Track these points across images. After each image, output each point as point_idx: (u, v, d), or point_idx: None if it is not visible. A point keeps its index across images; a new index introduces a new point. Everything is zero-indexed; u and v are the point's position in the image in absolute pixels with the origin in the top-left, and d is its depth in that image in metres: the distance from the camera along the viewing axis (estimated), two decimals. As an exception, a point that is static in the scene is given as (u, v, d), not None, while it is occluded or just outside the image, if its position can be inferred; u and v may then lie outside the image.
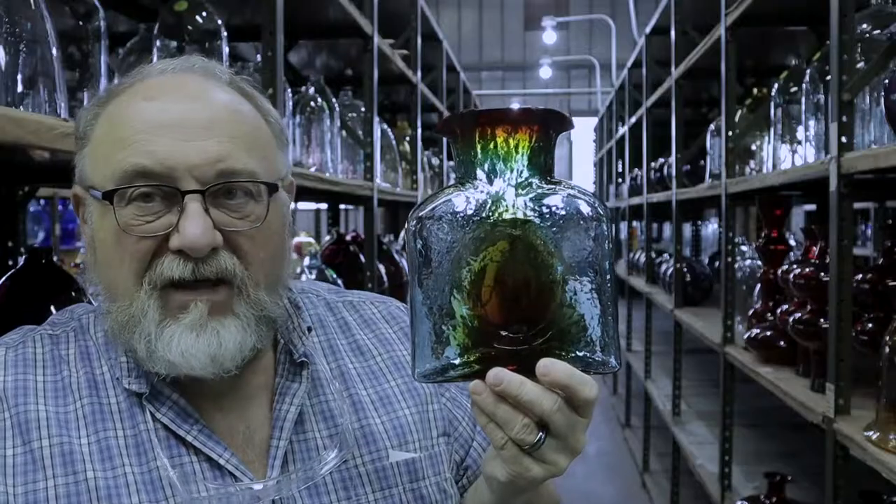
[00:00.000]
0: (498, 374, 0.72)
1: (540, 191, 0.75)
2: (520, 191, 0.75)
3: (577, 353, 0.74)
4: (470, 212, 0.74)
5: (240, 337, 0.85)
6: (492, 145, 0.75)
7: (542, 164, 0.76)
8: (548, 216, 0.74)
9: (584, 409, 0.75)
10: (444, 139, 5.28)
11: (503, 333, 0.73)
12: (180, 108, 0.85)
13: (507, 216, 0.73)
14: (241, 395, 0.92)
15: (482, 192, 0.75)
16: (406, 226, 0.76)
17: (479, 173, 0.76)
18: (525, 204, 0.74)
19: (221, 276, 0.84)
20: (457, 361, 0.74)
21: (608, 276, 0.75)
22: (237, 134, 0.86)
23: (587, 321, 0.74)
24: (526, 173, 0.76)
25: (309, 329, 0.97)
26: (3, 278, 1.55)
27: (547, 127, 0.76)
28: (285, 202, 0.92)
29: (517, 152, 0.75)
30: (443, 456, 1.00)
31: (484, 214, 0.74)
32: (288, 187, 0.94)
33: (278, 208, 0.89)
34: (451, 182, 0.80)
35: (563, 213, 0.74)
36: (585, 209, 0.75)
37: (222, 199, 0.84)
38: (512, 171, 0.75)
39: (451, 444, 1.02)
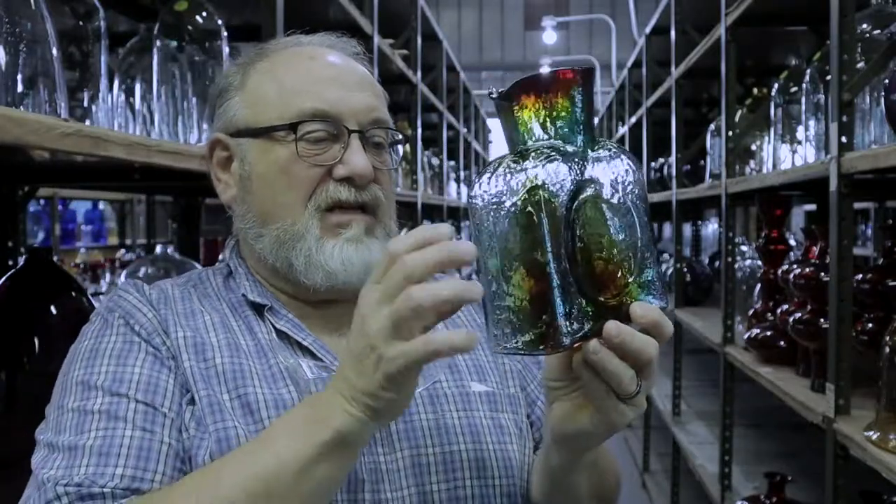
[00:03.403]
0: (616, 326, 0.74)
1: (597, 152, 0.78)
2: (578, 156, 0.76)
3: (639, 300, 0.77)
4: (538, 182, 0.74)
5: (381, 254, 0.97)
6: (549, 111, 0.77)
7: (588, 124, 0.79)
8: (608, 174, 0.77)
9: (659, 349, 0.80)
10: (443, 138, 5.27)
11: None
12: (339, 68, 1.05)
13: (572, 181, 0.74)
14: (341, 321, 1.03)
15: (540, 162, 0.75)
16: (473, 202, 0.78)
17: (534, 140, 0.78)
18: (586, 167, 0.76)
19: (375, 203, 1.02)
20: (531, 336, 0.74)
21: (648, 222, 0.79)
22: (377, 94, 1.07)
23: (646, 272, 0.77)
24: (581, 137, 0.78)
25: None
26: (3, 278, 1.55)
27: (589, 85, 0.78)
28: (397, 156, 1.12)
29: (567, 114, 0.77)
30: (520, 401, 1.09)
31: (550, 183, 0.74)
32: None
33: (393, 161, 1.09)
34: (500, 156, 0.81)
35: (616, 170, 0.77)
36: (626, 167, 0.79)
37: (369, 143, 1.03)
38: (571, 135, 0.77)
39: (524, 397, 1.11)
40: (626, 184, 0.78)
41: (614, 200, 0.76)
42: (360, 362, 0.75)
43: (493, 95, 0.80)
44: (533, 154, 0.76)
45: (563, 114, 0.77)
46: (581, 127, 0.78)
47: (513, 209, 0.74)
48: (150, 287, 1.05)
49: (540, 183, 0.73)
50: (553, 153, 0.75)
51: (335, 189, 0.99)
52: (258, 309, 1.03)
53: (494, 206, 0.75)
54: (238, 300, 1.04)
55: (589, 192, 0.75)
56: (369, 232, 1.01)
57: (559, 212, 0.73)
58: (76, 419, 0.90)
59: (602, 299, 0.75)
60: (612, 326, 0.74)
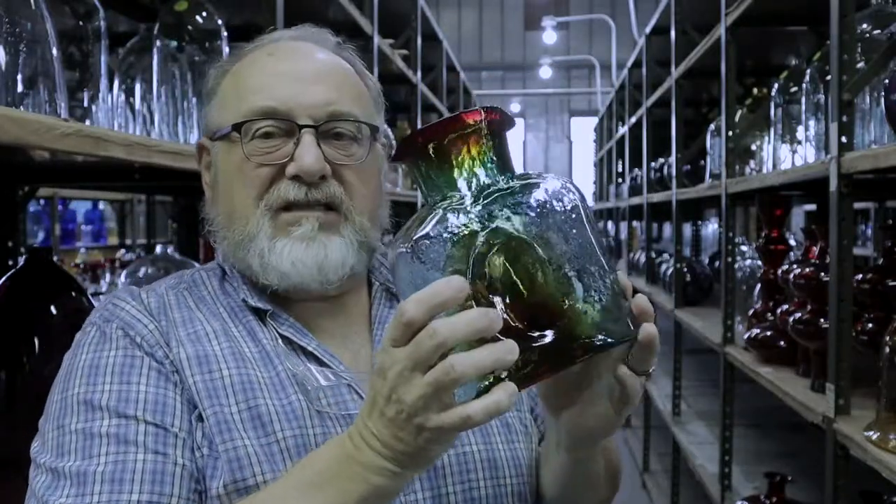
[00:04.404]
0: (649, 330, 0.76)
1: (503, 192, 0.74)
2: (481, 198, 0.74)
3: (599, 336, 0.72)
4: (447, 231, 0.72)
5: (343, 253, 0.98)
6: (445, 160, 0.76)
7: (502, 161, 0.77)
8: (521, 213, 0.73)
9: None
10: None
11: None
12: (297, 62, 1.01)
13: (476, 226, 0.72)
14: (342, 323, 1.03)
15: (451, 207, 0.74)
16: (396, 251, 0.75)
17: (445, 188, 0.76)
18: (493, 210, 0.73)
19: (330, 201, 0.97)
20: (485, 383, 0.71)
21: (594, 247, 0.74)
22: (343, 86, 1.02)
23: (593, 302, 0.72)
24: (484, 178, 0.76)
25: None
26: (3, 278, 1.55)
27: (490, 126, 0.76)
28: (382, 155, 1.07)
29: (479, 156, 0.76)
30: (523, 398, 1.08)
31: (457, 230, 0.72)
32: (386, 149, 1.09)
33: (376, 155, 1.04)
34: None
35: (531, 205, 0.73)
36: (549, 194, 0.74)
37: (332, 139, 0.99)
38: (472, 179, 0.75)
39: (527, 392, 1.08)
40: (556, 212, 0.73)
41: (534, 232, 0.72)
42: (400, 428, 0.72)
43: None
44: (449, 205, 0.74)
45: (473, 157, 0.76)
46: (495, 165, 0.76)
47: (437, 264, 0.72)
48: (147, 293, 1.01)
49: (460, 235, 0.71)
50: (462, 203, 0.73)
51: (286, 188, 0.97)
52: (260, 314, 1.00)
53: (421, 262, 0.73)
54: (238, 305, 1.01)
55: (501, 232, 0.71)
56: (328, 229, 0.98)
57: (483, 260, 0.71)
58: (81, 442, 0.87)
59: (538, 332, 0.71)
60: (645, 332, 0.76)
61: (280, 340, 0.98)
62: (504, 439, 1.02)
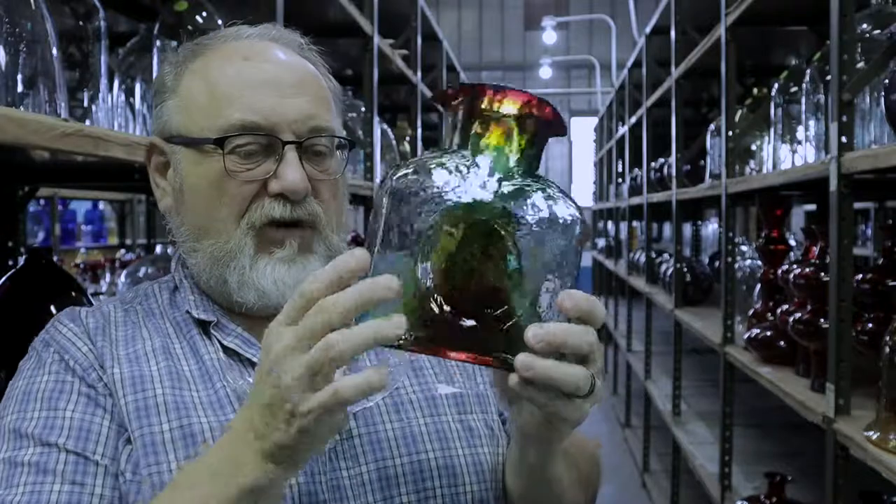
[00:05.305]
0: (524, 361, 0.67)
1: (523, 185, 0.73)
2: (503, 181, 0.72)
3: (506, 355, 0.70)
4: (450, 188, 0.70)
5: None
6: (491, 127, 0.73)
7: (531, 159, 0.75)
8: (526, 213, 0.71)
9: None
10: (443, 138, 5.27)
11: (449, 312, 0.69)
12: (275, 69, 0.96)
13: (483, 202, 0.71)
14: None
15: (467, 170, 0.72)
16: (386, 182, 0.72)
17: (471, 150, 0.73)
18: (505, 195, 0.71)
19: (311, 219, 0.95)
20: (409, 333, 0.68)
21: (562, 280, 0.72)
22: (319, 96, 0.99)
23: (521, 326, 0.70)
24: (514, 164, 0.74)
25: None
26: (3, 278, 1.55)
27: (548, 125, 0.75)
28: (343, 161, 1.04)
29: (513, 141, 0.73)
30: (490, 399, 1.04)
31: (463, 195, 0.70)
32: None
33: (341, 166, 1.01)
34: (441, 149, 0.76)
35: (540, 212, 0.72)
36: (563, 212, 0.73)
37: (310, 155, 0.96)
38: (503, 158, 0.73)
39: (496, 394, 1.04)
40: (550, 231, 0.72)
41: (520, 238, 0.70)
42: (272, 414, 0.69)
43: (437, 97, 0.75)
44: (458, 165, 0.72)
45: (514, 140, 0.73)
46: (526, 161, 0.74)
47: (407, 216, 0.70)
48: (90, 313, 0.99)
49: (453, 200, 0.70)
50: (472, 172, 0.72)
51: (269, 206, 0.93)
52: (204, 326, 0.98)
53: (400, 203, 0.70)
54: (183, 318, 0.99)
55: (484, 209, 0.70)
56: (305, 248, 0.96)
57: (450, 234, 0.69)
58: (7, 472, 0.85)
59: (450, 316, 0.69)
60: (520, 363, 0.67)
61: (222, 353, 0.95)
62: (465, 444, 0.98)
